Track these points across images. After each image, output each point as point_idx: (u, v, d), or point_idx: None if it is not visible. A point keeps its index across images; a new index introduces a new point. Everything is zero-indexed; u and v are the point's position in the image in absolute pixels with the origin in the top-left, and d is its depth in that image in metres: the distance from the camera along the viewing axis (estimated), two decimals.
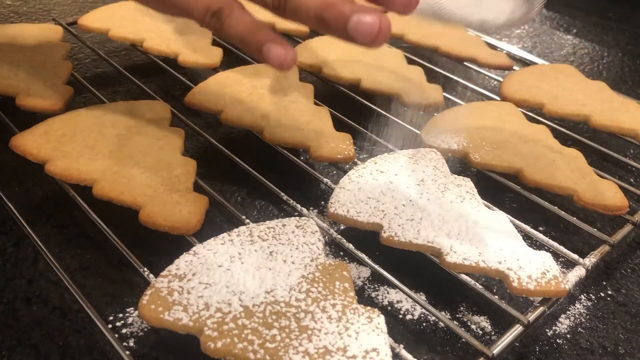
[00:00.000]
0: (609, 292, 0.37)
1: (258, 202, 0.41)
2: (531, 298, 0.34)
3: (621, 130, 0.45)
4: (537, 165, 0.40)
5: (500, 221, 0.35)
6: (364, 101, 0.49)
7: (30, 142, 0.38)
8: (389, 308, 0.34)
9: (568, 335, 0.34)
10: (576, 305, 0.36)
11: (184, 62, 0.49)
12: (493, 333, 0.33)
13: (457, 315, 0.34)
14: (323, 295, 0.29)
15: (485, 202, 0.38)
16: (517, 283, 0.31)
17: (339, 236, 0.35)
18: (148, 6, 0.36)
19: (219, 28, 0.32)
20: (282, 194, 0.39)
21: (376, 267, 0.34)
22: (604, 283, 0.37)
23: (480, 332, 0.33)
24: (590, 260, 0.35)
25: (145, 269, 0.32)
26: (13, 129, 0.41)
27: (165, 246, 0.36)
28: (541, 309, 0.32)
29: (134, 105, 0.43)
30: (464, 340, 0.32)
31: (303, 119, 0.43)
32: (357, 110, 0.48)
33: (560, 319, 0.35)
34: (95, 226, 0.35)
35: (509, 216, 0.36)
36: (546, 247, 0.38)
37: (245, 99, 0.45)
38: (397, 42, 0.59)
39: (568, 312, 0.35)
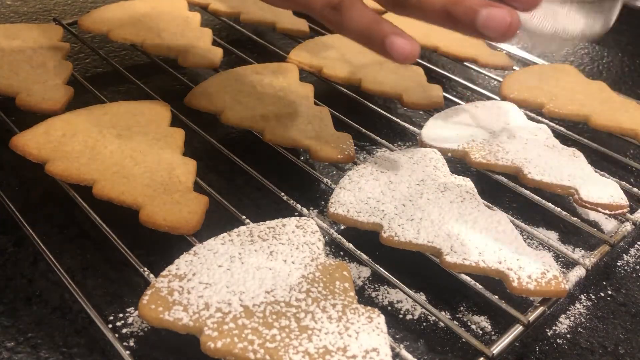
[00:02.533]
0: (609, 292, 0.37)
1: (258, 202, 0.41)
2: (531, 298, 0.34)
3: (621, 130, 0.45)
4: (538, 164, 0.40)
5: (500, 221, 0.35)
6: (364, 101, 0.49)
7: (30, 142, 0.38)
8: (389, 308, 0.34)
9: (568, 335, 0.34)
10: (576, 305, 0.36)
11: (184, 62, 0.50)
12: (493, 333, 0.33)
13: (457, 315, 0.34)
14: (323, 295, 0.29)
15: (485, 202, 0.38)
16: (517, 283, 0.31)
17: (339, 236, 0.35)
18: (265, 1, 0.36)
19: (338, 21, 0.32)
20: (282, 194, 0.39)
21: (376, 267, 0.34)
22: (604, 283, 0.37)
23: (480, 332, 0.33)
24: (590, 260, 0.35)
25: (145, 269, 0.32)
26: (13, 129, 0.41)
27: (165, 246, 0.36)
28: (541, 309, 0.32)
29: (134, 105, 0.43)
30: (464, 340, 0.32)
31: (303, 119, 0.43)
32: (357, 110, 0.48)
33: (560, 319, 0.35)
34: (95, 226, 0.35)
35: (509, 216, 0.36)
36: (546, 247, 0.38)
37: (245, 99, 0.45)
38: None
39: (568, 312, 0.35)
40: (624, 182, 0.42)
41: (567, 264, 0.38)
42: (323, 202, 0.41)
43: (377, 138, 0.45)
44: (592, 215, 0.41)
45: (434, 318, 0.34)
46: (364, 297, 0.35)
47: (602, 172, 0.42)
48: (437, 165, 0.39)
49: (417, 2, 0.31)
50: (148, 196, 0.35)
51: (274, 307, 0.28)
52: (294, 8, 0.35)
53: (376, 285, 0.35)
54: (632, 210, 0.39)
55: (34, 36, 0.49)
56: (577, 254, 0.38)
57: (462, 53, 0.54)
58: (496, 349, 0.30)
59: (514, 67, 0.53)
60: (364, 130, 0.45)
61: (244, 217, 0.36)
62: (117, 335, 0.31)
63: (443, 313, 0.34)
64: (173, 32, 0.52)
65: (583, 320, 0.35)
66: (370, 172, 0.38)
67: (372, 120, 0.49)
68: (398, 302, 0.35)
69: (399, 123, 0.47)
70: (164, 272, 0.30)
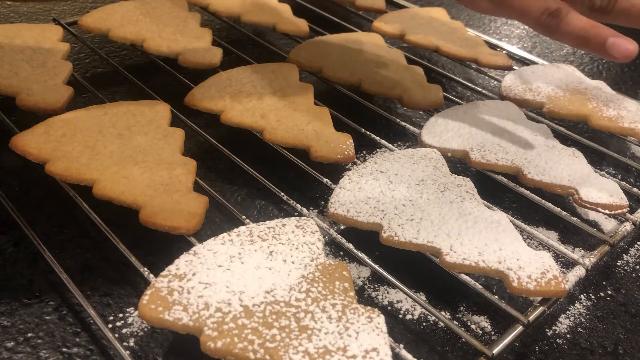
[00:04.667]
0: (609, 292, 0.37)
1: (258, 202, 0.41)
2: (531, 298, 0.34)
3: (621, 130, 0.45)
4: (538, 164, 0.40)
5: (500, 221, 0.35)
6: (364, 101, 0.49)
7: (30, 142, 0.38)
8: (389, 308, 0.34)
9: (568, 335, 0.34)
10: (576, 305, 0.36)
11: (184, 62, 0.50)
12: (493, 333, 0.33)
13: (457, 315, 0.34)
14: (323, 295, 0.29)
15: (485, 202, 0.38)
16: (517, 283, 0.31)
17: (339, 236, 0.35)
18: (477, 9, 0.40)
19: (555, 26, 0.35)
20: (282, 194, 0.39)
21: (376, 267, 0.34)
22: (604, 283, 0.37)
23: (480, 332, 0.33)
24: (590, 260, 0.35)
25: (145, 269, 0.32)
26: (13, 129, 0.41)
27: (165, 246, 0.36)
28: (541, 308, 0.32)
29: (134, 105, 0.43)
30: (463, 340, 0.32)
31: (303, 119, 0.43)
32: (357, 110, 0.48)
33: (560, 319, 0.35)
34: (95, 226, 0.35)
35: (509, 216, 0.36)
36: (546, 247, 0.38)
37: (245, 99, 0.45)
38: (397, 42, 0.59)
39: (568, 312, 0.35)
40: (624, 182, 0.42)
41: (567, 264, 0.38)
42: (323, 202, 0.41)
43: (377, 138, 0.45)
44: (592, 215, 0.41)
45: (433, 318, 0.34)
46: (363, 297, 0.35)
47: (602, 172, 0.42)
48: (437, 165, 0.39)
49: (625, 8, 0.35)
50: (148, 196, 0.35)
51: (274, 307, 0.28)
52: (507, 15, 0.38)
53: (376, 285, 0.36)
54: (632, 210, 0.39)
55: (34, 36, 0.49)
56: (577, 254, 0.38)
57: (462, 53, 0.54)
58: (496, 349, 0.30)
59: (514, 67, 0.53)
60: (364, 130, 0.45)
61: (243, 217, 0.36)
62: (117, 335, 0.31)
63: (443, 313, 0.34)
64: (173, 32, 0.53)
65: (583, 320, 0.35)
66: (370, 172, 0.38)
67: (372, 120, 0.49)
68: (398, 302, 0.35)
69: (399, 123, 0.47)
70: (164, 272, 0.30)
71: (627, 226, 0.38)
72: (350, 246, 0.35)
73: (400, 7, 0.67)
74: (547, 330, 0.34)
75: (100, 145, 0.38)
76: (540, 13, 0.36)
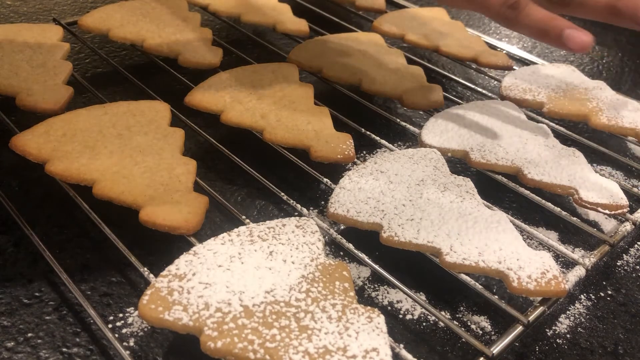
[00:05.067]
0: (609, 292, 0.37)
1: (258, 202, 0.41)
2: (531, 298, 0.34)
3: (621, 130, 0.45)
4: (538, 164, 0.40)
5: (500, 221, 0.35)
6: (364, 101, 0.49)
7: (30, 142, 0.38)
8: (389, 308, 0.34)
9: (568, 335, 0.34)
10: (576, 305, 0.36)
11: (184, 62, 0.50)
12: (493, 333, 0.33)
13: (457, 315, 0.34)
14: (323, 295, 0.29)
15: (485, 202, 0.38)
16: (517, 283, 0.31)
17: (339, 236, 0.35)
18: (441, 2, 0.41)
19: (514, 18, 0.36)
20: (282, 194, 0.39)
21: (376, 267, 0.34)
22: (604, 283, 0.37)
23: (480, 332, 0.33)
24: (590, 260, 0.35)
25: (145, 269, 0.32)
26: (13, 129, 0.41)
27: (165, 246, 0.36)
28: (541, 308, 0.32)
29: (134, 105, 0.43)
30: (463, 340, 0.32)
31: (303, 119, 0.43)
32: (357, 110, 0.48)
33: (560, 319, 0.35)
34: (95, 226, 0.35)
35: (509, 216, 0.36)
36: (546, 247, 0.38)
37: (245, 99, 0.45)
38: (397, 42, 0.59)
39: (568, 312, 0.35)
40: (624, 182, 0.42)
41: (567, 264, 0.38)
42: (323, 202, 0.41)
43: (377, 138, 0.45)
44: (592, 215, 0.41)
45: (433, 318, 0.34)
46: (363, 297, 0.35)
47: (602, 172, 0.42)
48: (437, 165, 0.39)
49: (581, 1, 0.36)
50: (148, 196, 0.35)
51: (274, 307, 0.28)
52: (467, 7, 0.39)
53: (376, 285, 0.36)
54: (632, 210, 0.39)
55: (34, 36, 0.49)
56: (577, 254, 0.38)
57: (462, 53, 0.54)
58: (496, 349, 0.30)
59: (514, 67, 0.53)
60: (364, 130, 0.45)
61: (243, 217, 0.36)
62: (117, 335, 0.31)
63: (443, 313, 0.34)
64: (173, 32, 0.53)
65: (583, 320, 0.35)
66: (370, 172, 0.38)
67: (372, 120, 0.49)
68: (398, 302, 0.35)
69: (399, 123, 0.47)
70: (164, 272, 0.30)
71: (627, 226, 0.38)
72: (350, 246, 0.35)
73: (400, 7, 0.67)
74: (547, 330, 0.34)
75: (100, 145, 0.38)
76: (499, 5, 0.36)
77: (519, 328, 0.31)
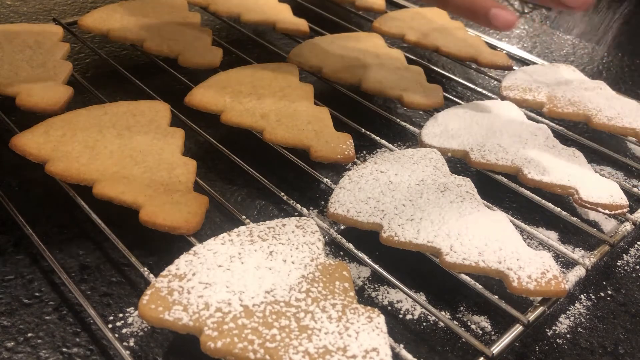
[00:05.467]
0: (609, 292, 0.37)
1: (258, 202, 0.41)
2: (531, 298, 0.34)
3: (621, 130, 0.45)
4: (538, 164, 0.40)
5: (500, 221, 0.35)
6: (364, 101, 0.49)
7: (30, 142, 0.38)
8: (389, 308, 0.34)
9: (568, 335, 0.34)
10: (576, 305, 0.36)
11: (184, 62, 0.50)
12: (493, 333, 0.33)
13: (457, 315, 0.34)
14: (323, 295, 0.29)
15: (485, 202, 0.38)
16: (517, 283, 0.31)
17: (339, 236, 0.35)
18: None
19: None
20: (282, 194, 0.39)
21: (376, 267, 0.34)
22: (604, 283, 0.37)
23: (480, 331, 0.33)
24: (590, 260, 0.35)
25: (145, 269, 0.32)
26: (13, 129, 0.41)
27: (165, 246, 0.36)
28: (541, 308, 0.32)
29: (134, 105, 0.43)
30: (463, 340, 0.32)
31: (303, 119, 0.43)
32: (357, 110, 0.48)
33: (560, 319, 0.35)
34: (95, 226, 0.35)
35: (509, 216, 0.36)
36: (546, 247, 0.38)
37: (245, 99, 0.45)
38: (397, 42, 0.59)
39: (568, 312, 0.35)
40: (624, 182, 0.42)
41: (567, 264, 0.38)
42: (323, 202, 0.41)
43: (377, 138, 0.45)
44: (592, 215, 0.41)
45: (433, 318, 0.34)
46: (363, 297, 0.35)
47: (602, 172, 0.42)
48: (437, 165, 0.39)
49: None
50: (148, 196, 0.35)
51: (274, 307, 0.28)
52: None
53: (376, 285, 0.36)
54: (632, 210, 0.39)
55: (34, 36, 0.49)
56: (577, 253, 0.38)
57: (462, 53, 0.54)
58: (496, 348, 0.30)
59: (514, 67, 0.54)
60: (364, 130, 0.45)
61: (243, 217, 0.36)
62: (117, 335, 0.31)
63: (443, 313, 0.34)
64: (173, 32, 0.52)
65: (583, 320, 0.35)
66: (370, 172, 0.38)
67: (372, 120, 0.49)
68: (398, 302, 0.35)
69: (399, 123, 0.47)
70: (164, 272, 0.30)
71: (627, 226, 0.38)
72: (350, 246, 0.35)
73: (400, 7, 0.67)
74: (547, 330, 0.34)
75: (100, 145, 0.38)
76: None
77: (519, 328, 0.31)
